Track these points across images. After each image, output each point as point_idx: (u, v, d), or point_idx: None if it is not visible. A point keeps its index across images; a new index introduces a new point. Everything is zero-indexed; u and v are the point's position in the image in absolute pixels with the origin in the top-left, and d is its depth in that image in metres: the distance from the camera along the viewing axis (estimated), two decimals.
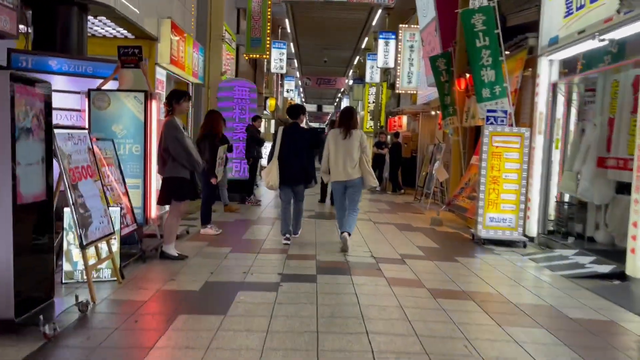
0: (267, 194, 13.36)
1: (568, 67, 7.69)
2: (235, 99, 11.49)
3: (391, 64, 20.65)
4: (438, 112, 14.57)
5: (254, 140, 10.97)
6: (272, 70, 24.12)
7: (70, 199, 3.99)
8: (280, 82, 35.07)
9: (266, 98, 23.42)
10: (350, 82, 37.66)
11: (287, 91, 35.25)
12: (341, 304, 4.29)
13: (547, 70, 7.76)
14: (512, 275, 5.73)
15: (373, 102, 30.45)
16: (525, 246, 7.44)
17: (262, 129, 23.55)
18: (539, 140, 7.85)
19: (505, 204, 7.63)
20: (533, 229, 7.87)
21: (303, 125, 7.26)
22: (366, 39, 26.06)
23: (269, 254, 6.14)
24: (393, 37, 20.37)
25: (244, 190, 11.25)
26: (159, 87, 9.50)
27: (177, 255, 5.60)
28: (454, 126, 11.47)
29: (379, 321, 3.91)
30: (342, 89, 43.46)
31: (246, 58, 16.74)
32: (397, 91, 17.14)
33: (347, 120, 6.62)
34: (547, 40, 7.60)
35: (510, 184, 7.63)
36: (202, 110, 12.21)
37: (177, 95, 5.55)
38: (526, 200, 7.69)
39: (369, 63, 26.16)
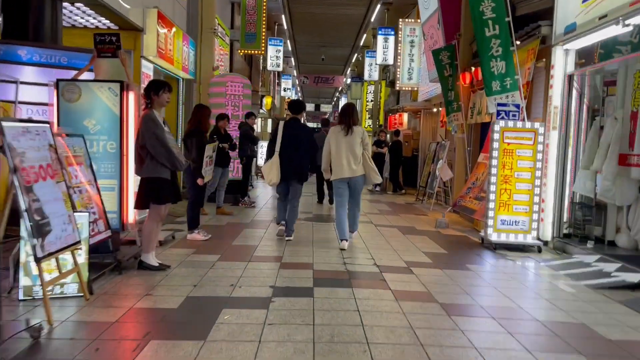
0: (262, 195, 12.76)
1: (584, 58, 7.12)
2: (227, 95, 10.89)
3: (390, 61, 20.07)
4: (440, 108, 14.00)
5: (247, 139, 10.38)
6: (269, 67, 23.52)
7: (23, 204, 3.39)
8: (277, 80, 34.52)
9: (262, 96, 22.83)
10: (349, 80, 37.07)
11: (285, 90, 34.62)
12: (342, 324, 3.69)
13: (562, 60, 7.18)
14: (532, 286, 5.15)
15: (372, 100, 29.88)
16: (540, 251, 6.86)
17: (257, 128, 22.88)
18: (554, 136, 7.26)
19: (517, 206, 7.05)
20: (547, 232, 7.29)
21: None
22: (365, 35, 25.49)
23: (261, 262, 5.54)
24: (392, 33, 19.79)
25: (237, 191, 10.65)
26: (146, 81, 8.89)
27: (157, 265, 5.00)
28: (458, 123, 10.89)
29: (386, 347, 3.31)
30: (340, 88, 42.84)
31: (241, 54, 16.15)
32: (397, 88, 16.57)
33: (347, 117, 6.49)
34: (562, 28, 7.02)
35: (523, 184, 7.05)
36: (191, 107, 11.58)
37: (155, 86, 4.96)
38: (540, 202, 7.11)
39: (367, 60, 25.58)
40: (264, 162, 6.87)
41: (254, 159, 11.01)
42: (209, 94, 11.14)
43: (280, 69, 23.97)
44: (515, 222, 7.06)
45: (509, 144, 7.06)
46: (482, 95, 10.05)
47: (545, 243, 7.18)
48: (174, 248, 6.13)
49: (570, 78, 7.16)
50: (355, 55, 30.59)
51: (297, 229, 7.58)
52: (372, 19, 21.68)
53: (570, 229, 7.25)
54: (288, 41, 27.43)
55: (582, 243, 6.80)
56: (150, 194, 4.84)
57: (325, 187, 11.21)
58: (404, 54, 16.38)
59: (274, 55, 23.41)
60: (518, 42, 7.53)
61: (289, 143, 6.58)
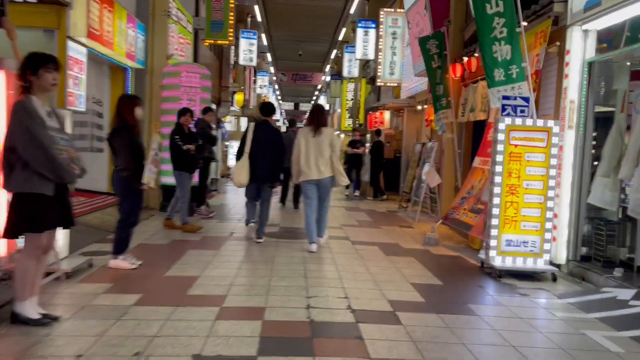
0: (225, 203, 11.25)
1: (607, 41, 5.81)
2: (182, 87, 9.37)
3: (371, 56, 18.68)
4: (426, 106, 12.67)
5: (204, 138, 8.87)
6: (241, 62, 21.98)
7: None
8: (253, 77, 32.97)
9: (234, 92, 21.28)
10: (328, 78, 35.67)
11: (261, 87, 33.09)
12: None
13: (580, 44, 5.87)
14: (563, 342, 3.77)
15: (351, 99, 28.56)
16: (554, 279, 5.53)
17: (230, 127, 21.27)
18: (569, 137, 5.95)
19: (527, 222, 5.71)
20: (561, 254, 5.96)
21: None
22: (344, 29, 24.10)
23: (194, 306, 4.07)
24: (373, 25, 18.39)
25: (193, 199, 9.13)
26: (76, 68, 7.35)
27: (38, 317, 3.50)
28: (447, 121, 9.55)
29: None
30: (319, 86, 41.45)
31: (206, 44, 14.61)
32: (378, 84, 15.20)
33: (316, 118, 6.48)
34: (581, 4, 5.70)
35: (533, 196, 5.71)
36: (143, 101, 10.03)
37: (34, 62, 3.44)
38: (553, 217, 5.79)
39: (346, 56, 24.20)
40: (235, 165, 6.79)
41: (212, 162, 9.47)
42: (160, 85, 9.60)
43: (254, 63, 22.47)
44: (524, 242, 5.72)
45: (516, 146, 5.71)
46: (476, 89, 8.71)
47: (558, 266, 5.86)
48: (84, 282, 4.62)
49: (590, 66, 5.84)
50: (335, 51, 29.19)
51: (256, 251, 6.16)
52: (352, 11, 20.28)
53: (592, 250, 5.94)
54: (263, 35, 25.92)
55: (606, 268, 5.48)
56: (22, 218, 3.34)
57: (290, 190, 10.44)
58: (386, 47, 15.02)
59: (247, 49, 21.90)
60: (525, 24, 6.19)
61: (259, 145, 6.50)
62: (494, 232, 5.71)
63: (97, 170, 9.37)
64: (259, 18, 22.84)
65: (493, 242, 5.71)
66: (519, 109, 5.79)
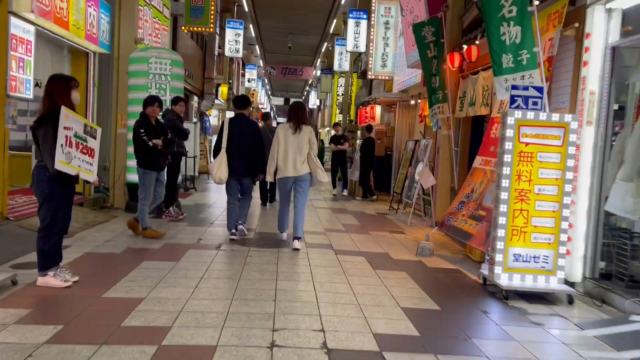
0: (201, 203, 10.33)
1: (634, 23, 4.98)
2: (151, 74, 8.44)
3: (362, 48, 17.82)
4: (419, 100, 11.83)
5: (173, 131, 7.96)
6: (227, 53, 21.01)
7: None
8: (242, 71, 31.97)
9: (218, 85, 20.30)
10: (318, 72, 34.73)
11: (249, 80, 32.13)
12: None
13: (602, 26, 5.02)
14: None
15: (342, 94, 27.68)
16: (571, 302, 4.70)
17: (214, 121, 20.29)
18: (588, 135, 5.10)
19: (538, 234, 4.87)
20: (576, 271, 5.13)
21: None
22: (335, 21, 23.19)
23: (124, 344, 3.18)
24: (365, 16, 17.52)
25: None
26: (21, 49, 6.40)
27: None
28: (443, 116, 8.70)
29: None
30: (309, 81, 40.49)
31: (185, 31, 13.65)
32: (369, 77, 14.33)
33: (297, 115, 6.41)
34: None
35: (546, 202, 4.87)
36: (109, 90, 9.10)
37: None
38: (568, 228, 4.95)
39: (337, 49, 23.31)
40: (212, 160, 6.63)
41: (183, 158, 8.54)
42: (127, 72, 8.66)
43: (240, 55, 21.50)
44: (535, 257, 4.88)
45: (527, 144, 4.86)
46: (476, 81, 7.87)
47: (572, 285, 5.03)
48: None
49: (614, 51, 4.99)
50: (325, 44, 28.28)
51: (222, 263, 5.28)
52: (343, 2, 19.41)
53: (605, 264, 5.11)
54: (251, 26, 24.96)
55: (631, 289, 4.66)
56: None
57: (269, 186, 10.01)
58: (377, 38, 14.14)
59: (233, 39, 20.92)
60: (537, 2, 5.33)
61: (236, 139, 6.45)
62: (499, 244, 4.87)
63: None
64: (246, 7, 21.88)
65: (498, 257, 4.86)
66: (530, 100, 4.93)
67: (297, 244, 6.23)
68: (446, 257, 6.45)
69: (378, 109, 13.62)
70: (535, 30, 5.15)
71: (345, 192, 13.53)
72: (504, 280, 4.84)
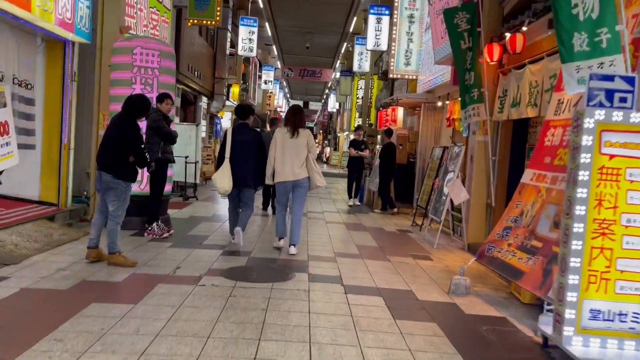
0: (196, 216, 9.08)
1: None
2: (135, 67, 7.24)
3: (384, 46, 16.53)
4: (447, 102, 10.46)
5: (158, 133, 6.75)
6: (240, 52, 19.86)
7: None
8: (259, 73, 30.87)
9: (229, 85, 19.14)
10: (337, 74, 33.46)
11: (266, 82, 30.98)
12: None
13: None
14: None
15: (362, 97, 26.36)
16: None
17: (227, 123, 19.09)
18: None
19: (626, 282, 3.49)
20: None
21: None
22: (355, 19, 21.90)
23: None
24: (387, 12, 16.24)
25: (143, 212, 7.02)
26: None
27: None
28: (478, 119, 7.32)
29: None
30: (329, 83, 39.25)
31: (189, 24, 12.49)
32: (391, 76, 12.97)
33: (294, 119, 6.35)
34: None
35: (638, 239, 3.48)
36: (88, 84, 7.93)
37: None
38: None
39: (357, 49, 22.00)
40: (217, 171, 6.46)
41: (169, 165, 7.28)
42: (110, 65, 7.49)
43: (254, 53, 20.32)
44: (621, 315, 3.50)
45: (611, 156, 3.49)
46: (522, 77, 6.49)
47: None
48: None
49: None
50: (345, 44, 27.01)
51: (192, 308, 4.00)
52: None
53: None
54: (267, 25, 23.82)
55: None
56: None
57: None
58: (401, 33, 12.78)
59: (247, 37, 19.77)
60: None
61: (238, 149, 6.37)
62: (570, 296, 3.49)
63: (26, 173, 7.28)
64: (260, 4, 20.75)
65: (569, 313, 3.49)
66: (617, 96, 3.54)
67: (292, 249, 6.24)
68: (486, 296, 5.08)
69: (400, 112, 12.25)
70: (618, 2, 3.78)
71: (359, 203, 12.25)
72: (576, 346, 3.46)
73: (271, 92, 33.45)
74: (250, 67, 28.66)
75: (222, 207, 10.31)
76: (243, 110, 6.77)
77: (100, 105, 7.77)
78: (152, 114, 6.76)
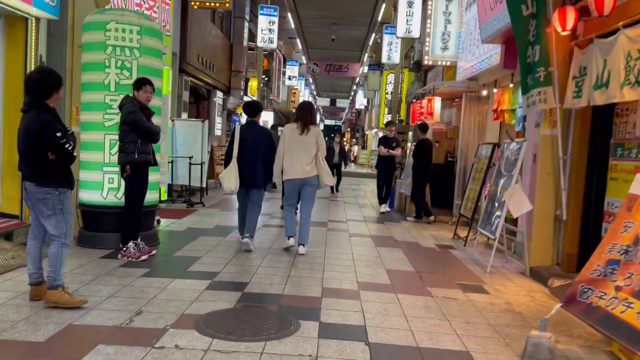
0: (190, 230, 7.61)
1: None
2: (109, 46, 5.82)
3: (415, 33, 14.86)
4: (494, 90, 8.78)
5: (133, 129, 5.30)
6: (259, 43, 18.48)
7: None
8: (283, 69, 29.47)
9: (247, 79, 17.73)
10: (365, 69, 31.75)
11: (290, 78, 29.54)
12: None
13: None
14: None
15: (392, 92, 24.65)
16: None
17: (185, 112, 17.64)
18: None
19: None
20: None
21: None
22: (384, 6, 20.19)
23: None
24: None
25: (117, 229, 5.60)
26: None
27: None
28: (545, 107, 5.64)
29: None
30: (356, 79, 37.57)
31: (195, 7, 11.09)
32: (425, 62, 11.29)
33: (305, 115, 6.15)
34: None
35: None
36: (59, 67, 6.54)
37: None
38: None
39: (386, 38, 20.37)
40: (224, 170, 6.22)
41: (149, 167, 5.81)
42: (80, 46, 6.10)
43: (274, 45, 18.87)
44: None
45: None
46: (611, 48, 4.80)
47: None
48: None
49: None
50: (373, 36, 25.31)
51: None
52: None
53: None
54: (290, 15, 22.34)
55: None
56: None
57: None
58: (437, 12, 11.10)
59: (267, 28, 18.37)
60: None
61: (246, 148, 6.11)
62: None
63: None
64: None
65: None
66: None
67: (301, 249, 6.11)
68: (578, 358, 3.45)
69: (437, 102, 10.56)
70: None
71: (388, 209, 10.66)
72: None
73: (296, 89, 32.00)
74: (274, 62, 27.27)
75: (230, 215, 8.87)
76: (252, 108, 6.49)
77: (73, 95, 6.39)
78: (127, 104, 5.34)
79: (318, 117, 63.09)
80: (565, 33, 5.49)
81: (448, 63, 11.13)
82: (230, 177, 6.02)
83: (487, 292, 5.01)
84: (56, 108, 4.02)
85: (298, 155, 6.03)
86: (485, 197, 6.96)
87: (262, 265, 5.49)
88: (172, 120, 10.19)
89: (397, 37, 16.58)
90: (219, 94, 15.51)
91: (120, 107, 5.38)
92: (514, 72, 7.84)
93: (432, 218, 9.61)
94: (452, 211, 9.80)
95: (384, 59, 20.57)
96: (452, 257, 6.68)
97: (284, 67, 29.62)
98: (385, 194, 10.79)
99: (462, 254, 6.82)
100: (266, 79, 25.39)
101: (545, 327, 3.53)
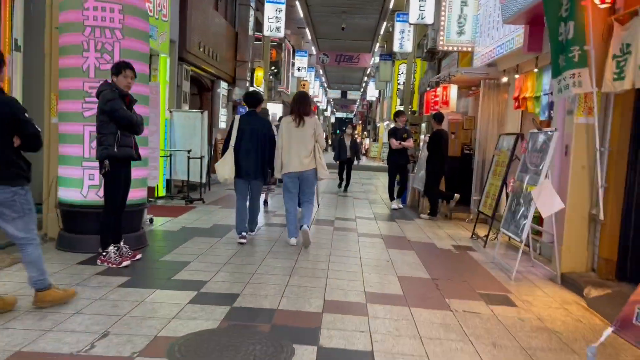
0: (184, 229, 7.02)
1: None
2: (88, 27, 5.22)
3: (429, 19, 14.14)
4: (516, 76, 8.09)
5: (112, 118, 4.70)
6: (266, 32, 17.81)
7: None
8: (292, 60, 28.79)
9: (253, 69, 17.09)
10: (377, 59, 30.93)
11: (299, 69, 28.84)
12: None
13: None
14: None
15: (404, 82, 23.86)
16: None
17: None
18: None
19: None
20: None
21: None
22: None
23: None
24: None
25: (96, 229, 5.03)
26: None
27: None
28: (579, 91, 4.94)
29: None
30: (368, 70, 36.75)
31: None
32: (440, 48, 10.57)
33: (299, 107, 6.02)
34: None
35: None
36: (38, 56, 5.98)
37: None
38: None
39: (398, 26, 19.63)
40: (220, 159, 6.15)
41: (130, 162, 5.21)
42: (57, 27, 5.51)
43: (281, 34, 18.19)
44: None
45: None
46: None
47: None
48: None
49: None
50: (384, 25, 24.52)
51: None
52: None
53: None
54: (298, 4, 21.64)
55: None
56: None
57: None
58: None
59: (273, 16, 17.68)
60: None
61: (245, 138, 6.04)
62: None
63: None
64: None
65: None
66: None
67: (292, 241, 6.11)
68: None
69: (454, 90, 9.84)
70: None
71: (401, 206, 9.99)
72: None
73: (305, 80, 31.28)
74: (283, 53, 26.61)
75: (231, 213, 8.29)
76: (253, 97, 6.40)
77: (52, 83, 5.80)
78: (104, 91, 4.74)
79: (329, 110, 62.29)
80: (603, 6, 4.79)
81: (464, 49, 10.39)
82: (225, 166, 5.98)
83: (514, 305, 4.36)
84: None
85: (296, 149, 5.93)
86: (508, 194, 6.27)
87: (258, 272, 4.87)
88: (170, 112, 9.60)
89: (410, 24, 15.82)
90: (224, 84, 14.90)
91: (98, 94, 4.79)
92: (539, 55, 7.14)
93: (456, 196, 8.85)
94: (470, 207, 9.12)
95: (396, 48, 19.84)
96: (472, 260, 6.02)
97: (293, 58, 28.95)
98: (400, 189, 10.14)
99: (482, 257, 6.16)
100: (275, 70, 24.75)
101: (594, 356, 2.87)
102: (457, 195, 8.90)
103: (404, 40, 19.40)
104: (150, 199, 9.09)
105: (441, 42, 10.52)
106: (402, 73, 24.67)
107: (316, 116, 6.28)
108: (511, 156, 6.76)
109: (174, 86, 10.49)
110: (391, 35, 22.49)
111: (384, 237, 7.04)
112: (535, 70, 7.32)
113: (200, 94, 14.09)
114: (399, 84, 25.38)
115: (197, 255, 5.40)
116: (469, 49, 10.28)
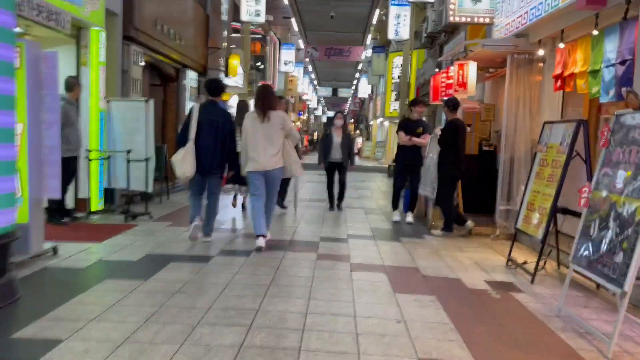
0: (89, 269, 4.85)
1: None
2: None
3: None
4: (561, 45, 6.04)
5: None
6: (244, 17, 15.70)
7: None
8: (278, 54, 26.71)
9: (226, 58, 14.90)
10: (369, 53, 28.87)
11: (285, 63, 26.74)
12: None
13: None
14: None
15: (399, 76, 21.81)
16: None
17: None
18: None
19: None
20: None
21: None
22: None
23: None
24: None
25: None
26: None
27: None
28: None
29: None
30: (359, 64, 34.68)
31: None
32: (451, 19, 8.48)
33: (263, 101, 5.56)
34: None
35: None
36: None
37: None
38: None
39: (392, 11, 17.55)
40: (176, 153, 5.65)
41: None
42: None
43: (262, 19, 16.07)
44: None
45: None
46: None
47: None
48: None
49: None
50: (377, 12, 22.42)
51: None
52: None
53: None
54: None
55: None
56: None
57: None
58: None
59: None
60: None
61: (205, 130, 5.62)
62: None
63: None
64: None
65: None
66: None
67: (260, 241, 5.47)
68: None
69: (472, 68, 7.70)
70: None
71: (410, 219, 7.80)
72: None
73: (293, 76, 29.20)
74: (268, 47, 24.54)
75: (180, 233, 6.18)
76: (214, 86, 5.93)
77: None
78: None
79: (320, 109, 60.16)
80: None
81: (480, 20, 8.33)
82: (185, 160, 5.47)
83: None
84: None
85: (263, 146, 5.48)
86: (572, 210, 4.17)
87: (181, 353, 2.75)
88: (108, 101, 7.46)
89: (409, 1, 13.74)
90: (192, 74, 12.74)
91: None
92: (599, 10, 5.08)
93: (468, 228, 6.86)
94: (495, 220, 7.02)
95: (391, 35, 17.74)
96: (525, 311, 3.93)
97: (280, 52, 26.87)
98: (411, 200, 7.89)
99: (537, 304, 4.08)
100: (262, 66, 22.70)
101: None
102: (471, 224, 6.84)
103: (399, 26, 17.34)
104: (76, 216, 6.95)
105: (451, 13, 8.44)
106: (397, 67, 22.68)
107: (283, 112, 5.81)
108: (570, 152, 4.70)
109: (118, 71, 8.35)
110: (384, 25, 20.42)
111: (388, 271, 4.93)
112: (595, 32, 5.25)
113: (163, 84, 11.95)
114: (393, 78, 23.40)
115: (88, 321, 3.27)
116: (487, 20, 8.22)
